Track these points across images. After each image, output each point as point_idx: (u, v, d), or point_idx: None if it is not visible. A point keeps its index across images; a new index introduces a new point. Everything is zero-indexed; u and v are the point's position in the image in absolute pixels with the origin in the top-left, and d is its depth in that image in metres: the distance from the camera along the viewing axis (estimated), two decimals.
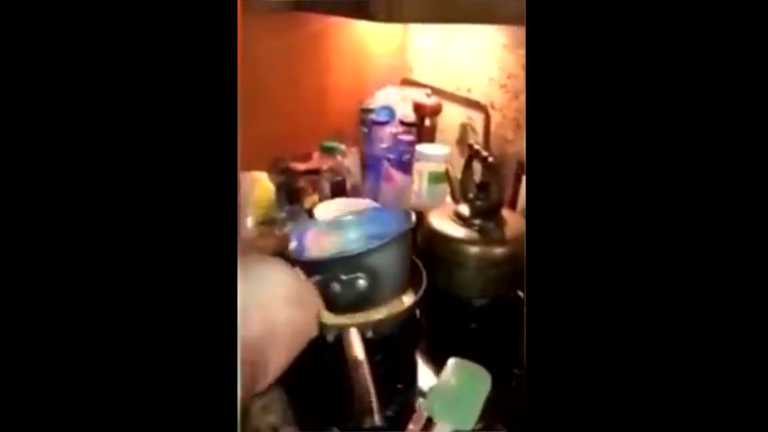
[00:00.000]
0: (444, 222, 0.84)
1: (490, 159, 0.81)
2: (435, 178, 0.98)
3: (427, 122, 1.12)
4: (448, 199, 0.96)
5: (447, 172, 0.94)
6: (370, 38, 1.26)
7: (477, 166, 0.85)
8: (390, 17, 0.74)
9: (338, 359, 0.57)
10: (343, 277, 0.63)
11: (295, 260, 0.64)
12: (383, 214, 0.81)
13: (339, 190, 1.12)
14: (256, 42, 1.08)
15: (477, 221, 0.82)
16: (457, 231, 0.81)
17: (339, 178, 1.13)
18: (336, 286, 0.63)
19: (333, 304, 0.62)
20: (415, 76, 1.28)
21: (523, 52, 0.95)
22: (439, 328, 0.78)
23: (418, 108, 1.11)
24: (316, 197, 1.18)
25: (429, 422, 0.57)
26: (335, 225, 0.81)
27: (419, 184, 0.99)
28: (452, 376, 0.62)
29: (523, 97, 0.96)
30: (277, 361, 0.45)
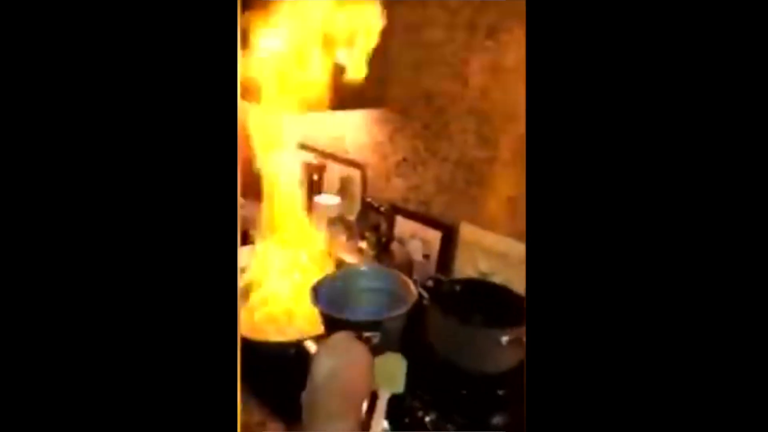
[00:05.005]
0: (349, 256, 1.13)
1: (382, 208, 1.13)
2: (331, 223, 1.27)
3: (315, 178, 1.41)
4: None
5: (342, 218, 1.24)
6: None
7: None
8: None
9: None
10: (365, 334, 0.79)
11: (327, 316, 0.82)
12: (379, 271, 1.04)
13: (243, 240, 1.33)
14: None
15: (372, 253, 1.13)
16: (359, 262, 1.11)
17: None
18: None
19: None
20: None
21: (383, 129, 1.31)
22: None
23: (308, 167, 1.39)
24: None
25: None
26: (343, 276, 1.02)
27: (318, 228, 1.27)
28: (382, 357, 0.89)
29: (392, 158, 1.31)
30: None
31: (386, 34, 1.21)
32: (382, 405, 0.78)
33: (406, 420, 0.85)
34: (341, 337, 0.68)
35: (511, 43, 1.03)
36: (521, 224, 1.08)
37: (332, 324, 0.82)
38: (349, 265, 1.11)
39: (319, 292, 0.91)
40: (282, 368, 0.78)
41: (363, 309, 0.97)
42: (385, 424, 0.80)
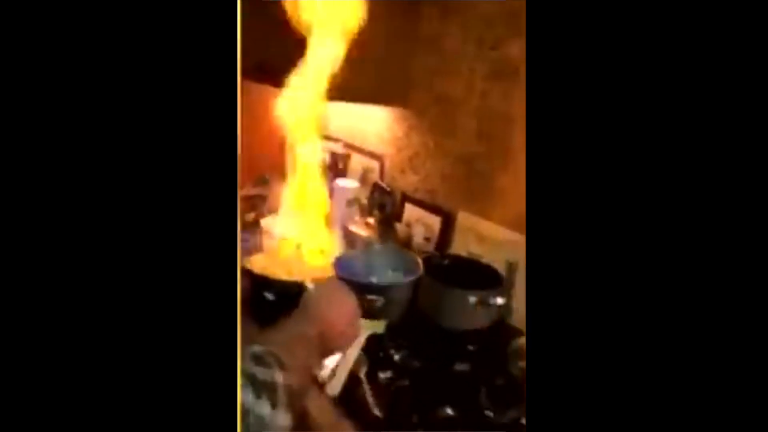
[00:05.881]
0: (360, 229, 1.32)
1: (388, 189, 1.31)
2: (348, 203, 1.46)
3: (340, 165, 1.61)
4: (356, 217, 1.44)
5: (357, 199, 1.43)
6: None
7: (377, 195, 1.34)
8: None
9: None
10: (369, 296, 0.88)
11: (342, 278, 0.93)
12: (393, 250, 1.18)
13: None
14: None
15: (379, 228, 1.31)
16: (367, 234, 1.29)
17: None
18: (364, 303, 0.86)
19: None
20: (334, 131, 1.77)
21: (402, 126, 1.50)
22: None
23: (334, 156, 1.59)
24: (252, 215, 1.59)
25: None
26: (361, 253, 1.15)
27: (338, 207, 1.46)
28: None
29: (406, 152, 1.49)
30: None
31: (410, 43, 1.41)
32: (361, 339, 0.95)
33: (380, 354, 1.01)
34: (332, 279, 0.85)
35: (510, 54, 1.20)
36: (511, 213, 1.23)
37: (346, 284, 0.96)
38: (365, 239, 1.29)
39: (339, 263, 1.08)
40: (285, 302, 0.96)
41: (374, 279, 1.09)
42: (362, 354, 0.97)
